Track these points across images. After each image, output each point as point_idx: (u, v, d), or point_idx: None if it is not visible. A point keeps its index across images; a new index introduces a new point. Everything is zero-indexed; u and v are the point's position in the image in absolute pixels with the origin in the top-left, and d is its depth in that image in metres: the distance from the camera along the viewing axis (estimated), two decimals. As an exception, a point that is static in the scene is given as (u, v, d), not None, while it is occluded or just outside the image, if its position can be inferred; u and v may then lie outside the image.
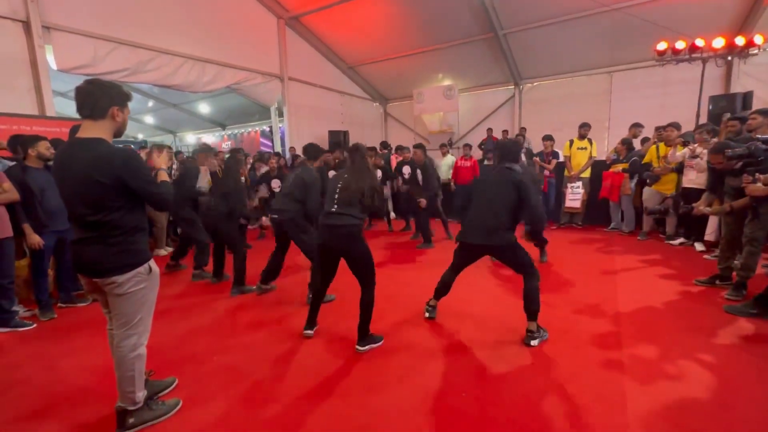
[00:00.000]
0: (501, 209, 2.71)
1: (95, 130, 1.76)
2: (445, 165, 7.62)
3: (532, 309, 2.70)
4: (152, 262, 1.91)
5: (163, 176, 2.01)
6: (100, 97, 1.75)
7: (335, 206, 2.66)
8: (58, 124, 5.12)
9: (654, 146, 5.63)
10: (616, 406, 2.01)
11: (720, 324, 2.89)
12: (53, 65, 5.46)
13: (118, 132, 1.85)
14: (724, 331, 2.78)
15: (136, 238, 1.84)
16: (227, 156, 4.23)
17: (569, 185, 6.65)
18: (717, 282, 3.70)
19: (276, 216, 3.58)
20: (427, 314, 3.14)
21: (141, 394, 1.96)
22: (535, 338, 2.68)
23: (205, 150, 4.71)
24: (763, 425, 1.85)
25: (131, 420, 1.92)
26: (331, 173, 6.18)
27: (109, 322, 1.95)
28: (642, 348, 2.59)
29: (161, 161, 2.11)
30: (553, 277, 4.15)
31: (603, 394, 2.11)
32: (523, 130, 8.99)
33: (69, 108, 10.73)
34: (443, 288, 3.11)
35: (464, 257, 3.00)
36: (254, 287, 3.89)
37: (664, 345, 2.61)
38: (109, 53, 5.95)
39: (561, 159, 6.82)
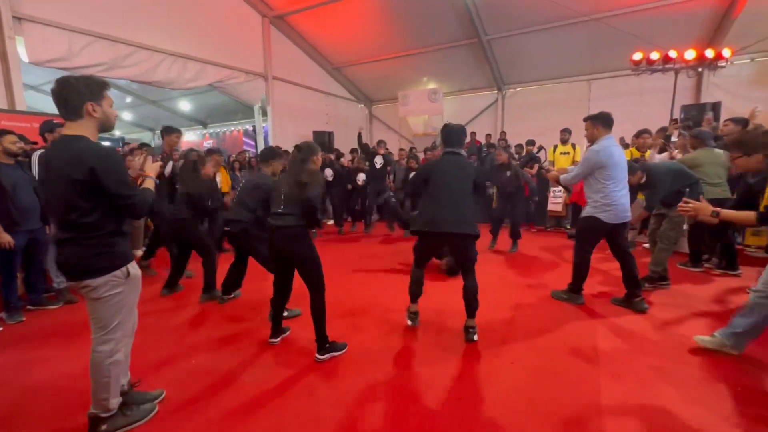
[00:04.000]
0: (462, 195, 2.73)
1: (75, 129, 1.69)
2: None
3: (473, 307, 2.80)
4: (132, 266, 1.83)
5: (149, 183, 1.91)
6: (68, 96, 1.65)
7: (281, 206, 2.56)
8: (28, 119, 4.90)
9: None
10: (591, 402, 2.07)
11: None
12: (24, 58, 5.24)
13: (104, 127, 1.75)
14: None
15: (114, 241, 1.76)
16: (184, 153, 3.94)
17: (552, 189, 6.83)
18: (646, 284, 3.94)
19: (228, 228, 3.37)
20: (410, 322, 3.05)
21: (115, 401, 1.88)
22: (476, 333, 2.80)
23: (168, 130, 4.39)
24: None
25: (104, 427, 1.85)
26: None
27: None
28: (618, 349, 2.68)
29: (150, 167, 1.97)
30: (526, 277, 4.27)
31: (579, 390, 2.17)
32: (503, 134, 9.17)
33: (41, 102, 10.36)
34: (417, 287, 3.00)
35: (428, 249, 3.01)
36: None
37: (639, 347, 2.71)
38: (85, 47, 5.75)
39: (543, 163, 7.00)
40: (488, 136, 9.77)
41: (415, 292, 3.01)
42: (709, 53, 6.38)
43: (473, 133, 9.95)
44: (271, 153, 3.44)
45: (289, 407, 2.10)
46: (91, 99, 1.68)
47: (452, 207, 2.71)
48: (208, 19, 7.58)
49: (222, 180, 6.20)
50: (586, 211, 3.30)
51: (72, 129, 1.69)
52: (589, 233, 3.31)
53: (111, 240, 1.75)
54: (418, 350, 2.71)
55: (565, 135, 6.79)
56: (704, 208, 2.31)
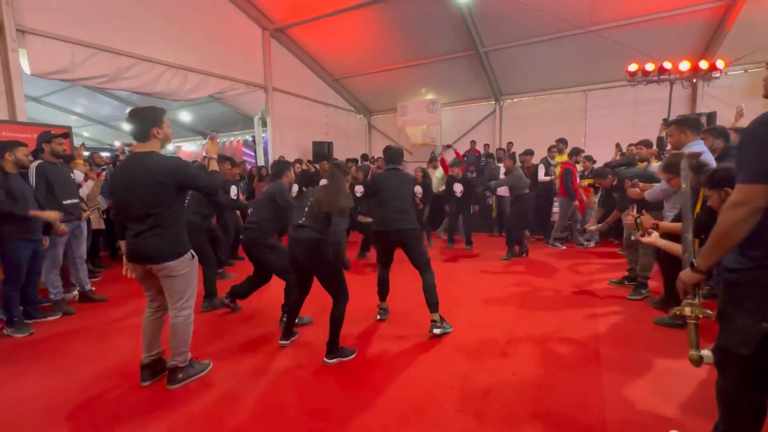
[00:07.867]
0: (405, 200, 3.28)
1: (146, 147, 2.20)
2: (435, 178, 7.64)
3: (433, 302, 3.07)
4: (192, 251, 2.32)
5: (213, 165, 2.46)
6: (140, 124, 2.17)
7: (303, 219, 2.65)
8: (29, 130, 4.92)
9: None
10: (595, 411, 2.05)
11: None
12: (27, 70, 5.29)
13: (164, 144, 2.27)
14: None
15: (179, 230, 2.25)
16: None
17: (555, 201, 6.84)
18: (626, 282, 4.10)
19: (242, 236, 3.42)
20: (379, 317, 3.39)
21: (188, 353, 2.42)
22: (438, 327, 3.02)
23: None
24: None
25: (180, 375, 2.37)
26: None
27: (150, 302, 2.41)
28: (617, 356, 2.66)
29: (212, 150, 2.51)
30: (525, 284, 4.26)
31: (581, 393, 2.15)
32: (510, 145, 9.19)
33: (41, 113, 10.39)
34: (383, 288, 3.41)
35: (385, 248, 3.38)
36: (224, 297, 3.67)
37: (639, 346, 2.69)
38: (87, 59, 5.82)
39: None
40: (486, 146, 9.83)
41: (382, 291, 3.42)
42: (704, 64, 6.46)
43: (473, 142, 10.02)
44: (285, 165, 3.58)
45: (290, 412, 2.07)
46: (156, 125, 2.19)
47: (397, 210, 3.22)
48: (209, 31, 7.69)
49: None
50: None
51: (143, 147, 2.20)
52: None
53: (178, 229, 2.24)
54: (420, 356, 2.69)
55: (560, 145, 6.82)
56: (646, 221, 2.46)
